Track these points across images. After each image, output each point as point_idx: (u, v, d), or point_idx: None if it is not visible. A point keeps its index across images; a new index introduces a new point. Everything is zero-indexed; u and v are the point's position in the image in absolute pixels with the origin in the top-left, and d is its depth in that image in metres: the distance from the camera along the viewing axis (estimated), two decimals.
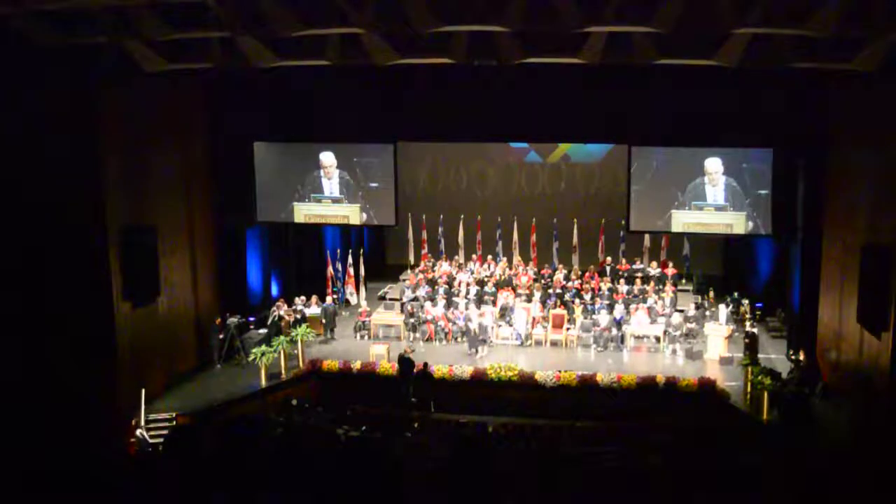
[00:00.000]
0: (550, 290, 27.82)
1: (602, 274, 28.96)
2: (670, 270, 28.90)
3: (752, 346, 23.63)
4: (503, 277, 28.83)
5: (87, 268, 21.00)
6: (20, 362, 20.26)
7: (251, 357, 24.06)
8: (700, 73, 20.47)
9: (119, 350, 21.62)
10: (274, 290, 29.02)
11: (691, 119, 23.94)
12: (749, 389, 21.90)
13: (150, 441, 20.61)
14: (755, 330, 24.50)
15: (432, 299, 27.63)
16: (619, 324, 25.81)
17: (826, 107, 22.60)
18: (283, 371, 24.19)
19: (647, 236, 29.66)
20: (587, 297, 27.42)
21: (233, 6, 17.23)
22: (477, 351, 25.14)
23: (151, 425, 21.19)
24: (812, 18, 15.85)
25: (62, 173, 20.30)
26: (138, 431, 20.94)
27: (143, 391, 21.35)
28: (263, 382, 23.70)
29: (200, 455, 11.54)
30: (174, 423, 21.19)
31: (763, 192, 24.49)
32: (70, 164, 20.38)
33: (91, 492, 10.36)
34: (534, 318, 26.46)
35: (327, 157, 26.96)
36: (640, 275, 28.64)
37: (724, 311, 25.56)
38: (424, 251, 31.85)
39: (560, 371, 23.27)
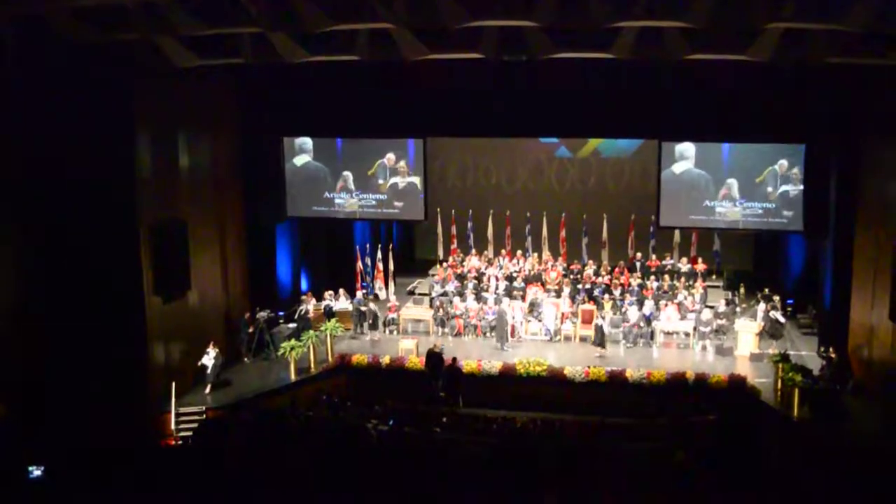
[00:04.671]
0: (580, 286, 27.73)
1: (632, 269, 28.84)
2: (700, 266, 28.73)
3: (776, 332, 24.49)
4: (532, 272, 28.76)
5: (118, 262, 21.17)
6: (52, 358, 20.48)
7: (280, 351, 24.16)
8: (732, 68, 20.37)
9: (150, 344, 21.78)
10: (303, 285, 29.11)
11: (723, 114, 23.84)
12: (780, 386, 21.78)
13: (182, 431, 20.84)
14: (777, 315, 24.78)
15: (461, 294, 27.63)
16: (648, 320, 25.71)
17: (859, 102, 22.39)
18: (312, 365, 24.27)
19: (677, 232, 29.50)
20: (617, 292, 27.33)
21: (264, 2, 17.31)
22: (502, 347, 25.17)
23: (182, 419, 21.33)
24: (845, 13, 15.73)
25: (94, 168, 20.47)
26: None
27: (174, 385, 21.48)
28: (293, 377, 23.79)
29: (229, 447, 11.64)
30: (204, 416, 21.32)
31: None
32: (102, 160, 20.54)
33: (126, 483, 10.47)
34: (563, 314, 26.41)
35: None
36: (669, 270, 28.53)
37: (761, 308, 25.40)
38: (453, 246, 31.83)
39: (589, 367, 23.24)
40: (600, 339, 24.82)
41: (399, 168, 27.45)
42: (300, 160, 27.83)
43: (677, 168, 25.79)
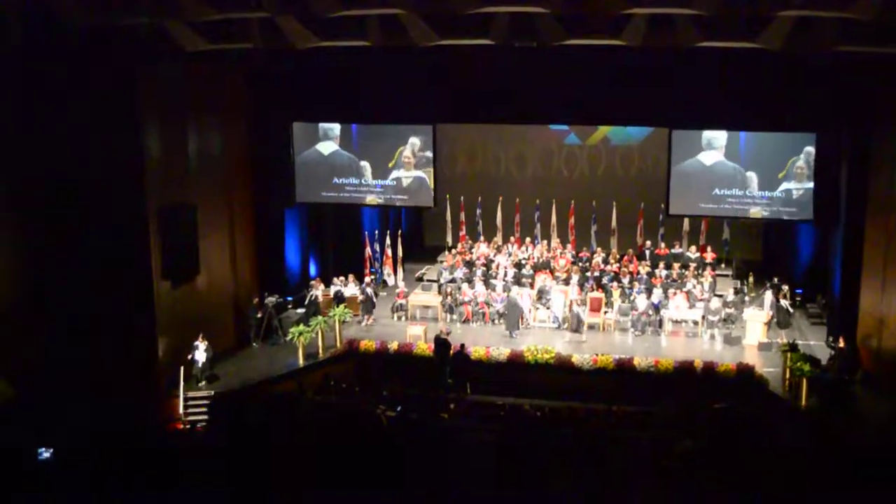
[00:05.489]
0: (588, 274, 27.70)
1: (641, 257, 28.79)
2: (709, 255, 28.66)
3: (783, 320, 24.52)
4: (541, 260, 28.73)
5: (127, 246, 21.20)
6: (62, 341, 20.52)
7: (289, 336, 24.20)
8: (743, 56, 20.29)
9: (158, 328, 21.82)
10: (312, 270, 29.11)
11: (732, 103, 23.77)
12: (788, 376, 21.72)
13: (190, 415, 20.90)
14: (786, 303, 24.69)
15: (470, 281, 27.61)
16: (657, 308, 25.67)
17: (870, 91, 22.28)
18: (320, 351, 24.29)
19: (686, 220, 29.43)
20: (625, 280, 27.28)
21: None
22: (511, 334, 25.12)
23: (190, 403, 21.39)
24: (856, 2, 15.65)
25: (103, 153, 20.49)
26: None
27: (182, 369, 21.53)
28: (301, 362, 23.82)
29: (245, 423, 11.62)
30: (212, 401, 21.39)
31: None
32: (111, 144, 20.55)
33: (134, 467, 10.49)
34: (571, 301, 26.35)
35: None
36: (678, 258, 28.46)
37: (769, 297, 25.33)
38: (462, 233, 31.81)
39: (597, 354, 23.21)
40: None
41: (404, 160, 27.35)
42: (326, 147, 27.72)
43: (707, 158, 25.55)
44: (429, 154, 27.31)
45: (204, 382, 22.37)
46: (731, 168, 25.42)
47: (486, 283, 27.38)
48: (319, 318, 24.60)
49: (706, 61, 21.94)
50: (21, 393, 19.03)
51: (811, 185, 24.56)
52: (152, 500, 10.41)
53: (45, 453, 12.71)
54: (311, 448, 11.14)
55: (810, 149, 24.44)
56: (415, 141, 27.28)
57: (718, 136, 25.42)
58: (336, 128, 27.61)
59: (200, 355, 22.33)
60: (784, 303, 24.83)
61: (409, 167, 27.38)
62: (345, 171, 27.79)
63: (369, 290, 27.14)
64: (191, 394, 21.63)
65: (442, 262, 30.04)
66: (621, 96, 24.39)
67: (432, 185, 27.44)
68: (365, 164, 27.63)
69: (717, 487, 10.76)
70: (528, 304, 26.16)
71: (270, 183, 26.97)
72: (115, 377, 20.22)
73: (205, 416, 20.89)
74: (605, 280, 27.37)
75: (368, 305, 26.89)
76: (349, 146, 27.74)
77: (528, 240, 30.40)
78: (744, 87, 23.38)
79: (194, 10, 17.95)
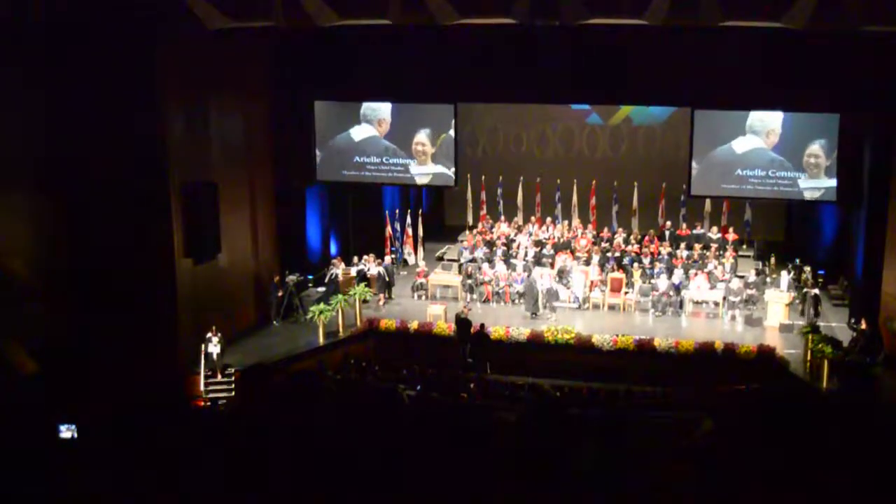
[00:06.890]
0: (609, 254, 27.64)
1: (662, 238, 28.70)
2: (731, 236, 28.53)
3: (815, 308, 23.98)
4: (562, 240, 28.69)
5: (149, 224, 21.27)
6: (84, 318, 20.63)
7: (309, 315, 24.25)
8: (766, 35, 20.13)
9: (179, 306, 21.90)
10: (332, 249, 29.14)
11: (756, 82, 23.58)
12: (809, 358, 21.65)
13: (210, 397, 20.97)
14: (816, 291, 24.43)
15: (490, 260, 27.60)
16: (677, 289, 25.59)
17: (894, 71, 22.07)
18: (340, 329, 24.34)
19: (708, 201, 29.30)
20: (646, 261, 27.21)
21: None
22: (535, 315, 25.08)
23: (211, 381, 21.48)
24: None
25: (125, 131, 20.53)
26: None
27: (203, 347, 21.62)
28: (321, 340, 23.86)
29: (272, 395, 11.61)
30: (233, 378, 21.46)
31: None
32: (133, 122, 20.59)
33: (156, 444, 10.52)
34: (592, 282, 26.32)
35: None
36: (700, 239, 28.35)
37: (785, 277, 25.21)
38: (483, 212, 31.79)
39: (617, 335, 23.19)
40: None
41: (418, 147, 27.21)
42: (361, 133, 27.44)
43: (739, 146, 25.01)
44: (449, 145, 27.11)
45: (209, 374, 22.15)
46: (771, 159, 24.83)
47: (507, 263, 27.37)
48: (340, 296, 24.60)
49: (729, 41, 21.78)
50: (43, 368, 19.16)
51: (829, 181, 24.31)
52: (175, 477, 10.46)
53: (66, 431, 12.75)
54: (332, 425, 11.13)
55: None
56: (447, 125, 27.05)
57: (765, 121, 24.70)
58: (381, 110, 27.28)
59: (214, 348, 22.14)
60: (814, 291, 24.42)
61: (421, 159, 27.19)
62: (378, 153, 27.57)
63: (381, 270, 27.13)
64: (211, 372, 21.73)
65: (462, 241, 30.04)
66: (643, 76, 24.24)
67: (453, 164, 27.24)
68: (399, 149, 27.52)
69: (739, 468, 10.73)
70: (549, 283, 26.10)
71: (291, 161, 26.94)
72: (137, 354, 20.32)
73: (227, 394, 21.03)
74: (625, 260, 27.31)
75: (381, 284, 26.93)
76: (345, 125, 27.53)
77: (548, 220, 30.33)
78: (767, 67, 23.19)
79: None
